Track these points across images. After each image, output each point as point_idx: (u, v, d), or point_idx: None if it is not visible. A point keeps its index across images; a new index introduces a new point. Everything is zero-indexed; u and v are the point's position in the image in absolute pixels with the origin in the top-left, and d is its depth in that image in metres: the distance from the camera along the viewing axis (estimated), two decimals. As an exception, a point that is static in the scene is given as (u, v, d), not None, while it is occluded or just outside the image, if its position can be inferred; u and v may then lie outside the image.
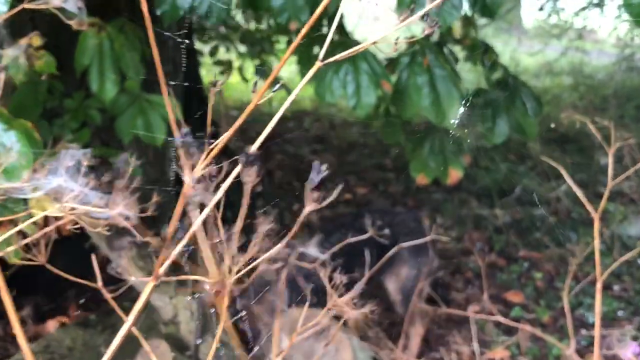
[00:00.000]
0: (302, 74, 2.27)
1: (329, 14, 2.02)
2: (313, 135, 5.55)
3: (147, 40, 2.42)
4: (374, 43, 0.74)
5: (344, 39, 2.22)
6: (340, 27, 2.32)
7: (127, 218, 0.69)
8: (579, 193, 1.37)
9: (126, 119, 2.15)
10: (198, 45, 4.85)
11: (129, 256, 2.18)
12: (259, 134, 0.79)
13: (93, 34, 1.86)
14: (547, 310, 2.97)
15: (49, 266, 0.83)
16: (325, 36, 0.77)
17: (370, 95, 1.98)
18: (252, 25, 5.13)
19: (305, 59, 2.29)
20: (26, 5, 0.78)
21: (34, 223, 0.84)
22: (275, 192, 4.44)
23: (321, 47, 0.77)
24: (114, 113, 2.15)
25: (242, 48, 5.13)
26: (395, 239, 2.12)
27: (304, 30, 0.74)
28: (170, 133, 2.23)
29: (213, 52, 4.86)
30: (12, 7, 1.25)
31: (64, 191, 0.70)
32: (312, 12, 1.90)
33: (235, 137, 0.79)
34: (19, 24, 1.67)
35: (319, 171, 0.76)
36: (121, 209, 0.69)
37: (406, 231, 2.40)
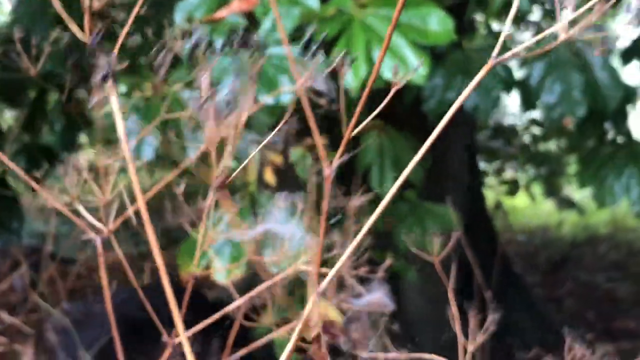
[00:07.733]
0: (582, 183, 2.15)
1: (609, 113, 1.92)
2: (609, 261, 5.08)
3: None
4: None
5: (628, 141, 2.05)
6: (626, 130, 2.16)
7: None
8: None
9: (404, 227, 2.23)
10: (484, 165, 4.88)
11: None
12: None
13: (375, 135, 2.03)
14: None
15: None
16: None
17: (659, 201, 1.79)
18: (542, 146, 5.01)
19: (586, 169, 2.16)
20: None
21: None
22: (565, 321, 4.14)
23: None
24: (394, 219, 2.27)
25: (530, 169, 5.03)
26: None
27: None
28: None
29: (499, 172, 4.85)
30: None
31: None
32: (589, 108, 1.79)
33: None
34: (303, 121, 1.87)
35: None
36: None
37: None
